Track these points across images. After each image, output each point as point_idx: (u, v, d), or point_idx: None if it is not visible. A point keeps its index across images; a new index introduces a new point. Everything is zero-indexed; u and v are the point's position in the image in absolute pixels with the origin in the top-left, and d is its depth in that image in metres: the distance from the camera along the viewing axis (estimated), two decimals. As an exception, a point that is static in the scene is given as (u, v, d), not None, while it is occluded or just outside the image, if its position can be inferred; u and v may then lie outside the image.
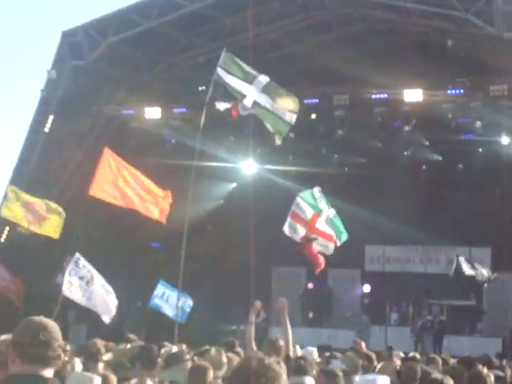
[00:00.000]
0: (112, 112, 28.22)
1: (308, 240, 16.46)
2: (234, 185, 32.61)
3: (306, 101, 27.05)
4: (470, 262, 21.94)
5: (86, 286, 15.25)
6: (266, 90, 13.47)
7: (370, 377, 7.12)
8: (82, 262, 15.39)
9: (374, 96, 26.79)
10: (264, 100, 13.52)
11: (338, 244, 16.49)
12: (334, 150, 31.06)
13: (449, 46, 24.78)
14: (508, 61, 23.57)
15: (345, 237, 16.52)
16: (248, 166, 30.32)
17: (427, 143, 29.16)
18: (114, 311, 15.81)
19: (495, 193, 29.58)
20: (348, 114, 27.49)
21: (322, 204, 16.30)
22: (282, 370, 4.10)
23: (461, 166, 31.04)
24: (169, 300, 20.64)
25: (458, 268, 21.01)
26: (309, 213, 16.27)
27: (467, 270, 21.16)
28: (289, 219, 16.26)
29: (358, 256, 31.49)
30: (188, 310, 21.19)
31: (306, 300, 32.16)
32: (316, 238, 16.40)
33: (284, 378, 4.09)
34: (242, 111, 13.82)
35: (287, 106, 13.66)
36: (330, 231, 16.38)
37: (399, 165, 30.65)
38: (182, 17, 25.25)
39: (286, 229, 16.31)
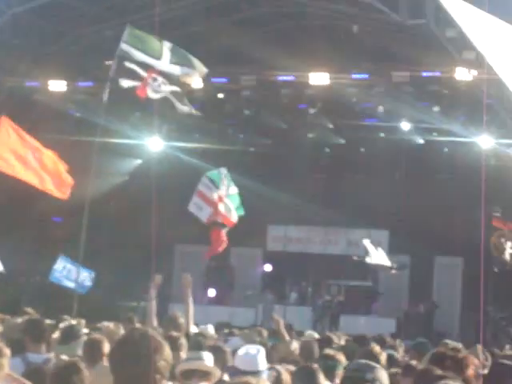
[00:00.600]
0: (15, 83, 27.66)
1: (216, 224, 16.62)
2: (139, 161, 32.45)
3: (213, 79, 27.11)
4: (374, 247, 22.29)
5: None
6: (173, 59, 13.61)
7: (251, 349, 7.26)
8: None
9: (280, 78, 27.03)
10: (175, 69, 13.64)
11: (235, 220, 16.66)
12: (241, 130, 31.24)
13: (355, 32, 25.17)
14: (410, 48, 24.09)
15: (241, 212, 16.72)
16: (154, 143, 30.21)
17: (331, 126, 29.61)
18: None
19: (394, 177, 30.30)
20: (255, 95, 27.68)
21: (225, 184, 16.46)
22: (163, 342, 4.15)
23: (363, 149, 31.65)
24: (69, 274, 20.53)
25: (365, 253, 21.43)
26: (215, 193, 16.41)
27: (373, 257, 21.52)
28: (194, 197, 16.37)
29: (260, 235, 31.83)
30: (89, 284, 21.09)
31: (208, 278, 32.33)
32: (225, 226, 16.60)
33: (167, 350, 4.16)
34: (153, 94, 13.86)
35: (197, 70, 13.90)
36: (229, 214, 16.54)
37: (303, 147, 31.05)
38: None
39: (191, 207, 16.42)
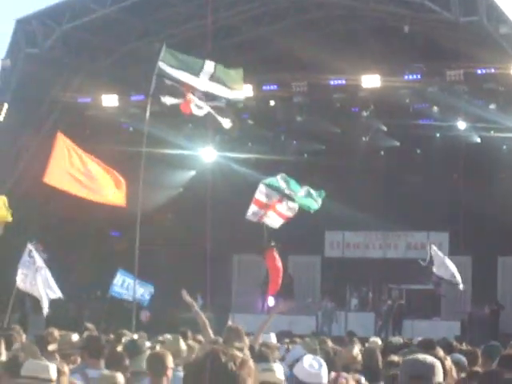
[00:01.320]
0: (69, 100, 27.90)
1: (270, 246, 16.59)
2: (193, 172, 32.47)
3: (264, 87, 27.05)
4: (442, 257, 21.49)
5: (34, 277, 15.18)
6: (213, 77, 13.59)
7: (314, 363, 7.07)
8: (34, 253, 15.30)
9: (332, 82, 26.83)
10: (214, 88, 13.64)
11: (315, 207, 16.54)
12: (293, 137, 31.07)
13: (406, 32, 24.85)
14: (464, 46, 23.72)
15: (315, 206, 16.64)
16: (207, 154, 30.23)
17: (385, 129, 29.28)
18: (46, 305, 15.71)
19: (452, 177, 29.79)
20: (307, 101, 27.51)
21: (289, 188, 16.33)
22: (247, 356, 3.97)
23: (419, 151, 31.23)
24: (129, 288, 20.58)
25: (431, 260, 20.82)
26: (274, 197, 16.31)
27: (440, 269, 20.84)
28: (252, 206, 16.26)
29: (318, 242, 31.56)
30: (149, 297, 21.12)
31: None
32: (275, 245, 16.58)
33: (251, 365, 3.95)
34: (197, 110, 13.92)
35: (236, 86, 13.86)
36: (288, 212, 16.43)
37: (358, 151, 30.75)
38: (137, 3, 25.01)
39: (249, 215, 16.32)
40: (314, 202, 16.69)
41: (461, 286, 21.24)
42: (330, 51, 25.50)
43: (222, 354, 3.85)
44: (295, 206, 16.40)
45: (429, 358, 4.89)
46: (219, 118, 14.08)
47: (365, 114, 28.18)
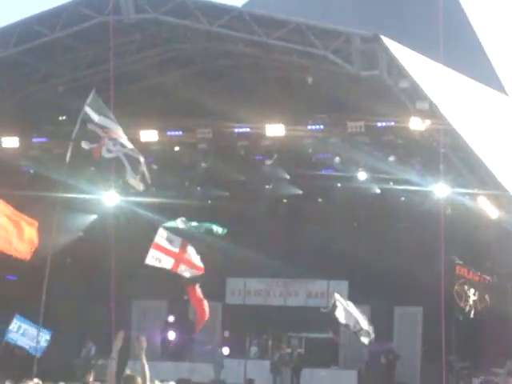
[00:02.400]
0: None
1: (190, 282, 16.53)
2: (94, 216, 32.03)
3: (169, 132, 27.06)
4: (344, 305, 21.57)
5: None
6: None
7: None
8: None
9: (236, 130, 27.06)
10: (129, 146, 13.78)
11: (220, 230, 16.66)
12: (198, 183, 31.07)
13: (309, 83, 25.28)
14: (365, 98, 24.24)
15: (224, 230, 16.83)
16: (109, 198, 29.90)
17: (288, 177, 29.61)
18: None
19: (352, 226, 30.27)
20: (211, 147, 27.63)
21: (189, 229, 16.36)
22: None
23: (320, 200, 31.64)
24: (25, 334, 20.11)
25: (331, 311, 20.89)
26: (177, 242, 16.27)
27: (341, 315, 20.85)
28: (152, 251, 16.17)
29: (219, 289, 31.50)
30: (45, 344, 20.66)
31: (167, 334, 31.85)
32: (196, 282, 16.54)
33: None
34: (106, 153, 13.89)
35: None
36: (198, 261, 16.47)
37: (261, 198, 30.98)
38: (41, 45, 24.73)
39: (148, 261, 16.20)
40: (217, 229, 16.90)
41: (365, 339, 21.17)
42: (234, 99, 25.75)
43: None
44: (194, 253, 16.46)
45: None
46: (127, 166, 14.06)
47: (268, 162, 28.49)
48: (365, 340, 20.98)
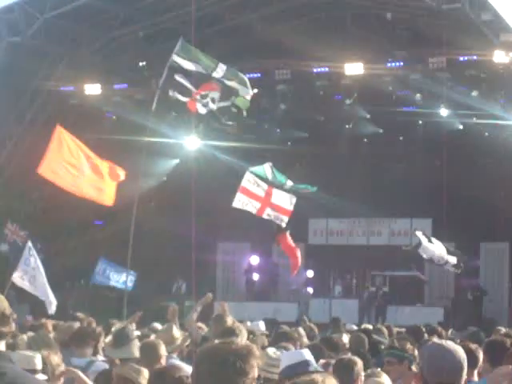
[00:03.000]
0: (51, 88, 27.78)
1: (279, 231, 16.75)
2: (176, 161, 32.38)
3: (247, 75, 26.96)
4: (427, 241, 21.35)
5: (33, 276, 15.21)
6: (224, 76, 13.83)
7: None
8: (32, 251, 15.34)
9: (315, 70, 26.85)
10: (224, 90, 13.96)
11: (291, 208, 16.79)
12: (277, 125, 31.05)
13: (388, 19, 24.88)
14: (446, 33, 23.77)
15: (313, 189, 17.07)
16: (191, 142, 30.18)
17: (368, 116, 29.33)
18: (55, 302, 15.78)
19: (435, 164, 29.88)
20: (290, 88, 27.51)
21: (276, 178, 16.47)
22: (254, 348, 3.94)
23: (401, 138, 31.31)
24: (110, 276, 20.60)
25: (415, 248, 20.72)
26: (263, 187, 16.40)
27: (427, 250, 20.64)
28: (238, 194, 16.30)
29: (301, 230, 31.62)
30: (130, 284, 21.10)
31: (251, 275, 32.24)
32: (287, 229, 16.78)
33: (257, 354, 3.91)
34: (202, 109, 14.11)
35: (245, 92, 14.19)
36: (285, 204, 16.62)
37: (341, 138, 30.80)
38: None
39: (236, 204, 16.36)
40: (302, 191, 17.04)
41: (452, 269, 21.06)
42: (312, 39, 25.52)
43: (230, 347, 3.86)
44: (287, 195, 16.63)
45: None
46: (222, 119, 14.38)
47: (348, 101, 28.23)
48: (451, 269, 20.88)
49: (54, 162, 13.55)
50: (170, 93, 14.31)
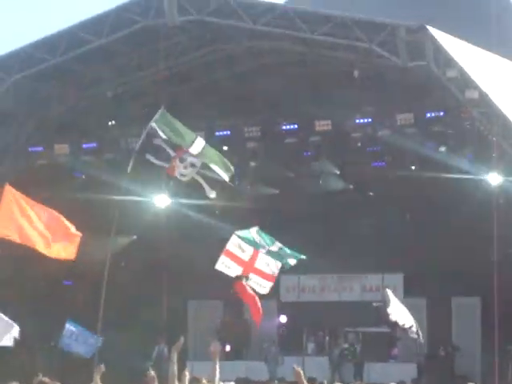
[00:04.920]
0: (19, 149, 27.69)
1: (238, 278, 16.52)
2: (147, 219, 32.19)
3: (217, 133, 27.17)
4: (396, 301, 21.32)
5: None
6: (201, 155, 13.96)
7: None
8: None
9: (284, 127, 27.05)
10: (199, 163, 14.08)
11: (275, 274, 16.67)
12: (247, 182, 31.03)
13: (356, 77, 25.14)
14: (413, 90, 24.05)
15: (300, 256, 16.89)
16: (161, 200, 30.09)
17: (338, 172, 29.47)
18: (15, 334, 15.40)
19: (405, 219, 30.01)
20: (260, 146, 27.63)
21: (262, 241, 16.37)
22: None
23: (371, 193, 31.42)
24: (78, 338, 20.26)
25: (385, 305, 20.68)
26: (248, 251, 16.31)
27: (394, 313, 20.60)
28: (222, 257, 16.21)
29: (273, 287, 31.42)
30: (96, 347, 20.76)
31: (223, 333, 31.92)
32: (247, 278, 16.54)
33: None
34: (181, 177, 14.23)
35: (225, 167, 14.34)
36: (269, 270, 16.51)
37: (311, 194, 30.88)
38: (88, 52, 24.99)
39: (218, 266, 16.25)
40: (289, 259, 16.86)
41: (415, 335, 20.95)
42: (281, 96, 25.74)
43: None
44: (272, 261, 16.53)
45: None
46: (204, 186, 14.46)
47: (318, 158, 28.43)
48: (414, 335, 20.76)
49: (6, 220, 13.37)
50: (147, 156, 14.44)
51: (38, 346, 29.25)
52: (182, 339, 10.75)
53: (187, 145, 14.00)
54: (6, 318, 15.37)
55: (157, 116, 13.92)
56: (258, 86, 27.24)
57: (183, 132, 14.14)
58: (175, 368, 10.46)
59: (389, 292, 20.08)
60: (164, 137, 13.95)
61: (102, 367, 11.13)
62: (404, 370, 26.68)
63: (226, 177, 14.39)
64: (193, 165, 14.14)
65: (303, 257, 17.15)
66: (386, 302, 19.68)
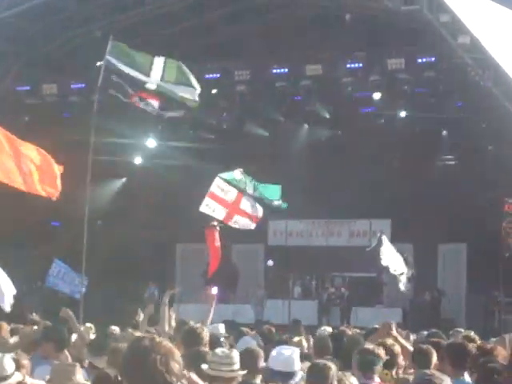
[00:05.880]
0: (7, 88, 27.41)
1: (211, 226, 16.56)
2: (136, 161, 32.13)
3: (206, 76, 26.92)
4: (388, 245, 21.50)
5: None
6: (163, 76, 13.58)
7: (285, 350, 7.25)
8: None
9: (275, 71, 26.84)
10: (166, 89, 13.70)
11: (260, 214, 16.70)
12: (236, 124, 30.91)
13: (347, 20, 24.90)
14: (405, 35, 23.86)
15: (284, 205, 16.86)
16: (150, 142, 30.02)
17: (328, 116, 29.38)
18: (11, 299, 15.35)
19: (393, 165, 30.00)
20: (249, 89, 27.43)
21: (246, 183, 16.37)
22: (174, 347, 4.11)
23: (360, 139, 31.34)
24: (64, 278, 20.31)
25: (377, 247, 20.78)
26: (232, 193, 16.29)
27: (386, 256, 20.76)
28: (207, 199, 16.21)
29: (261, 231, 31.53)
30: (83, 288, 20.79)
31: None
32: (217, 225, 16.60)
33: (177, 354, 4.10)
34: (144, 106, 13.98)
35: (189, 82, 13.88)
36: (254, 210, 16.54)
37: (300, 139, 30.81)
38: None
39: (203, 208, 16.25)
40: (276, 199, 16.92)
41: (402, 285, 21.13)
42: (272, 40, 25.49)
43: (149, 343, 3.99)
44: (256, 204, 16.55)
45: None
46: (170, 114, 14.23)
47: (308, 102, 28.32)
48: (402, 286, 20.92)
49: None
50: (111, 91, 14.13)
51: (25, 287, 29.31)
52: (176, 288, 10.94)
53: (147, 71, 13.59)
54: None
55: (109, 48, 13.59)
56: (248, 28, 26.96)
57: (140, 58, 13.78)
58: (166, 309, 10.56)
59: (384, 238, 20.21)
60: (121, 69, 13.59)
61: (151, 308, 11.02)
62: (390, 314, 26.83)
63: (194, 94, 14.03)
64: (153, 106, 13.93)
65: (285, 205, 17.18)
66: (378, 245, 19.82)
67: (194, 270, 31.49)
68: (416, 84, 26.25)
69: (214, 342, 8.89)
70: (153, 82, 13.71)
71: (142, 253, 30.08)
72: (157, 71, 13.69)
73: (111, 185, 32.12)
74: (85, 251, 13.54)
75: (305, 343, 10.86)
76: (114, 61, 13.53)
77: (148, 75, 13.70)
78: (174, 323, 10.70)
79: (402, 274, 20.36)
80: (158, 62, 13.77)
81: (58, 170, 13.51)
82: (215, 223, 16.97)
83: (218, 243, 17.13)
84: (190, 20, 27.00)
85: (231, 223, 16.69)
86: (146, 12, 25.57)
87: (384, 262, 20.38)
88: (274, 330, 12.65)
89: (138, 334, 9.29)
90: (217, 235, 17.11)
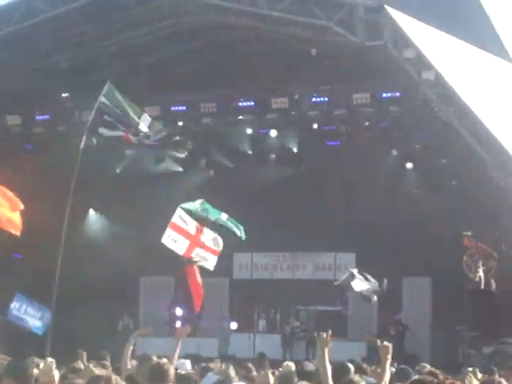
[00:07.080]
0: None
1: (189, 262, 16.48)
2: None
3: (172, 108, 26.99)
4: (361, 274, 21.68)
5: None
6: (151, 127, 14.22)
7: None
8: None
9: (241, 104, 26.93)
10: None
11: (220, 247, 16.70)
12: (202, 156, 30.86)
13: (313, 54, 25.06)
14: (370, 69, 24.06)
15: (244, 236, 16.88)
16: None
17: (294, 150, 29.47)
18: None
19: (358, 198, 30.05)
20: (216, 121, 27.48)
21: (207, 214, 16.32)
22: None
23: (326, 172, 31.41)
24: (27, 312, 20.02)
25: (347, 281, 20.89)
26: (192, 225, 16.23)
27: (359, 284, 20.88)
28: (168, 230, 16.07)
29: (226, 264, 31.38)
30: (47, 322, 20.53)
31: (174, 310, 31.81)
32: (196, 261, 16.54)
33: None
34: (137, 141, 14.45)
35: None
36: (214, 243, 16.49)
37: (266, 171, 30.84)
38: (43, 21, 24.55)
39: (164, 240, 16.11)
40: (238, 230, 16.94)
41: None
42: (238, 73, 25.56)
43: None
44: (217, 236, 16.52)
45: None
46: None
47: (274, 134, 28.45)
48: (373, 297, 21.11)
49: None
50: (100, 130, 14.44)
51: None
52: (149, 330, 10.82)
53: (135, 120, 14.16)
54: None
55: (104, 90, 13.94)
56: (216, 61, 27.03)
57: (129, 109, 14.25)
58: (131, 348, 10.42)
59: (354, 270, 20.34)
60: (115, 114, 14.02)
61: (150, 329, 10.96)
62: (354, 349, 26.78)
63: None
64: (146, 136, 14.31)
65: (243, 237, 17.20)
66: (349, 276, 19.89)
67: (158, 303, 31.29)
68: (381, 118, 26.47)
69: (181, 378, 8.76)
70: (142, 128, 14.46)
71: (107, 285, 29.78)
72: (144, 124, 14.32)
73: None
74: (56, 285, 13.37)
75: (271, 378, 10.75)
76: (107, 103, 13.97)
77: (138, 124, 14.36)
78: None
79: (375, 289, 20.55)
80: (145, 119, 14.42)
81: (20, 205, 13.38)
82: (195, 259, 16.90)
83: (199, 279, 17.10)
84: (159, 52, 27.04)
85: (193, 256, 16.60)
86: (109, 45, 25.58)
87: (358, 289, 20.53)
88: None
89: (97, 371, 9.13)
90: (197, 272, 17.07)
